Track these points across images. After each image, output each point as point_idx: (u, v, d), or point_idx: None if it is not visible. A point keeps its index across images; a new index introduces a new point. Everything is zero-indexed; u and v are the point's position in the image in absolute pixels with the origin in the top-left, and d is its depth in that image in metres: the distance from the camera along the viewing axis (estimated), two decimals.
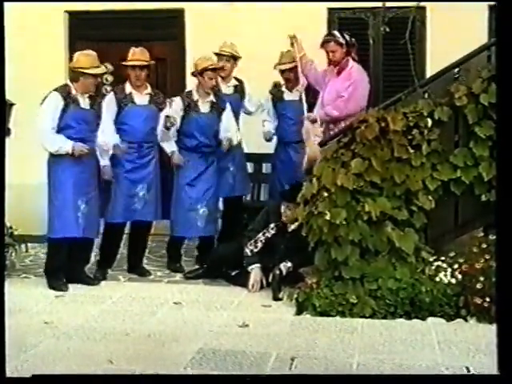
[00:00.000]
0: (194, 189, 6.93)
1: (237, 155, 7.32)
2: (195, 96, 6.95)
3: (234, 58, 7.27)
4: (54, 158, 6.19)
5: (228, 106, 7.05)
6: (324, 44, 6.67)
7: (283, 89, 7.40)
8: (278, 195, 7.07)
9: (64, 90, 6.18)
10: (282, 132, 7.43)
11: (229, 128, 7.01)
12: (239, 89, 7.40)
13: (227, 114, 7.03)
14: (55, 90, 6.20)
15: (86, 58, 6.19)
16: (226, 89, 7.32)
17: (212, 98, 6.98)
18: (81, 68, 6.13)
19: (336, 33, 6.79)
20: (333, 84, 6.66)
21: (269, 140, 7.49)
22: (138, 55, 6.68)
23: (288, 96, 7.37)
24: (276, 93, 7.44)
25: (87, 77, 6.15)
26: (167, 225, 7.22)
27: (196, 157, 6.95)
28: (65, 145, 6.11)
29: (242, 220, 7.66)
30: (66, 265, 6.36)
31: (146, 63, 6.67)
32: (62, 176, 6.19)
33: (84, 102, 6.27)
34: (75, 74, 6.18)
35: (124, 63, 6.70)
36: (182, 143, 6.97)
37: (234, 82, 7.38)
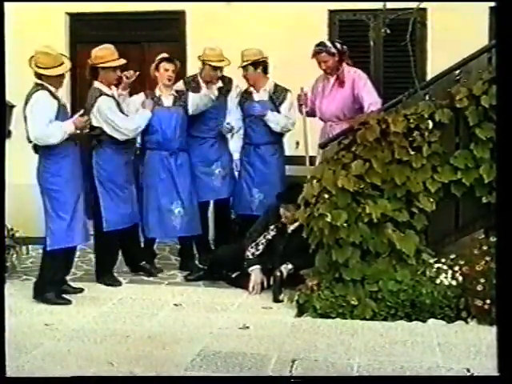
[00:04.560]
0: (167, 189, 6.90)
1: (223, 157, 7.26)
2: (157, 92, 6.98)
3: (253, 64, 7.06)
4: (47, 162, 5.92)
5: (190, 95, 7.01)
6: (315, 55, 6.64)
7: (251, 89, 7.24)
8: (250, 209, 7.16)
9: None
10: (251, 134, 7.24)
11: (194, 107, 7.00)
12: (223, 90, 7.25)
13: (192, 102, 6.98)
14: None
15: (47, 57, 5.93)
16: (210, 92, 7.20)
17: (173, 92, 6.99)
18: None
19: (327, 42, 6.75)
20: (339, 94, 6.64)
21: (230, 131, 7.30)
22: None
23: (257, 96, 7.21)
24: (244, 94, 7.29)
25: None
26: None
27: (165, 154, 6.91)
28: (64, 126, 5.92)
29: (230, 222, 7.64)
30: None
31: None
32: (64, 181, 5.94)
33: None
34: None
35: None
36: (149, 142, 6.94)
37: (218, 84, 7.23)
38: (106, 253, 6.65)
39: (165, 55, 6.93)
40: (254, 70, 7.08)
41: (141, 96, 6.96)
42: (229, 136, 7.30)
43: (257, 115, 7.12)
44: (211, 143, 7.18)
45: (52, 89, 5.89)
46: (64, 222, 5.91)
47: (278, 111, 7.12)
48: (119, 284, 6.53)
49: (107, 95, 6.40)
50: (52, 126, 5.81)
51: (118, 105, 6.48)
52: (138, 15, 8.59)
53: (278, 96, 7.15)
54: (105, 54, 6.40)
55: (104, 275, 6.58)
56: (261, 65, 7.11)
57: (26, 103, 5.86)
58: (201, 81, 7.20)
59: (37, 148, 5.92)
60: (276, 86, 7.18)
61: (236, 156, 7.37)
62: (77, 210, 5.97)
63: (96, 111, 6.35)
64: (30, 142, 5.90)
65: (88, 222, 6.26)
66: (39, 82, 5.88)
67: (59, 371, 4.40)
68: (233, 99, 7.28)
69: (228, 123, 7.15)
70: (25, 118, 5.87)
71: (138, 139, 7.05)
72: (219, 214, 7.58)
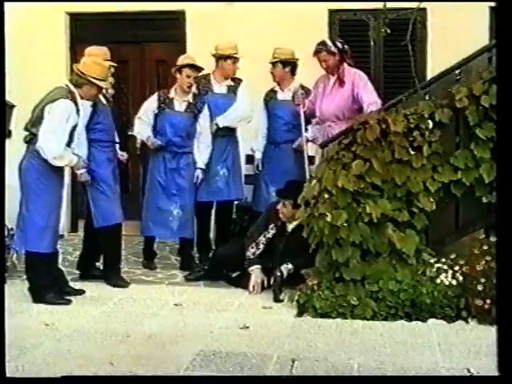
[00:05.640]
0: (167, 189, 6.93)
1: (229, 158, 7.27)
2: (172, 94, 6.99)
3: (283, 63, 7.15)
4: (37, 161, 5.76)
5: (205, 108, 7.01)
6: (316, 54, 6.65)
7: (276, 88, 7.32)
8: (265, 195, 7.19)
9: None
10: (272, 132, 7.33)
11: (202, 131, 7.00)
12: (233, 89, 7.27)
13: (203, 117, 7.00)
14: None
15: (100, 68, 5.94)
16: (219, 88, 7.25)
17: (190, 98, 6.99)
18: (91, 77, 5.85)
19: (327, 41, 6.74)
20: (339, 94, 6.63)
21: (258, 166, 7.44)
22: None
23: (281, 95, 7.29)
24: (269, 93, 7.37)
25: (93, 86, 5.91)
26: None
27: (168, 156, 6.94)
28: (73, 160, 5.90)
29: (231, 223, 7.68)
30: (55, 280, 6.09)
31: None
32: (51, 183, 5.85)
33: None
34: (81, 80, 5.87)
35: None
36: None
37: (228, 82, 7.26)
38: (110, 251, 6.60)
39: (191, 61, 6.89)
40: (282, 68, 7.16)
41: (154, 98, 7.01)
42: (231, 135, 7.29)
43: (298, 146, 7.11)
44: (218, 143, 7.17)
45: (79, 101, 5.83)
46: (37, 226, 5.81)
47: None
48: (127, 285, 6.47)
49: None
50: (66, 153, 5.74)
51: (95, 105, 6.33)
52: (138, 15, 8.59)
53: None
54: (100, 53, 6.38)
55: (112, 276, 6.53)
56: (290, 65, 7.17)
57: (50, 102, 5.72)
58: (213, 80, 7.22)
59: (29, 141, 5.82)
60: (301, 87, 7.15)
61: (258, 155, 7.41)
62: (53, 217, 5.88)
63: None
64: (27, 129, 5.82)
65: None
66: (72, 88, 5.82)
67: (59, 371, 4.39)
68: (243, 94, 7.26)
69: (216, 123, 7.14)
70: (41, 112, 5.72)
71: (138, 140, 7.07)
72: (221, 215, 7.59)
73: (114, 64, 6.56)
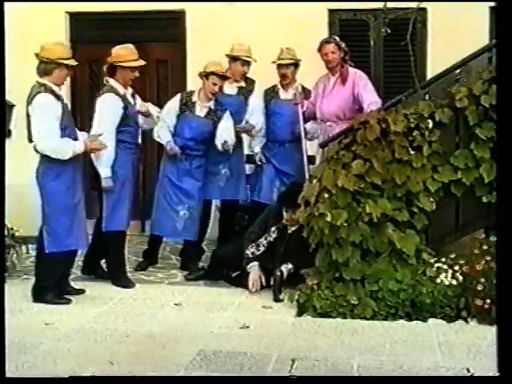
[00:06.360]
0: (176, 189, 6.93)
1: (232, 158, 7.23)
2: (195, 97, 6.96)
3: (295, 65, 7.17)
4: (50, 164, 5.76)
5: (226, 115, 6.96)
6: (324, 45, 6.65)
7: (278, 87, 7.31)
8: (270, 199, 7.13)
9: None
10: (274, 131, 7.31)
11: (223, 134, 6.94)
12: (244, 91, 7.26)
13: (224, 122, 6.94)
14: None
15: (62, 47, 5.93)
16: (229, 89, 7.22)
17: (211, 104, 6.95)
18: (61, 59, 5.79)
19: (335, 37, 6.85)
20: (340, 93, 6.64)
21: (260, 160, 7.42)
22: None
23: (283, 95, 7.28)
24: (270, 92, 7.34)
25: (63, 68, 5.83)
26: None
27: (181, 157, 6.92)
28: (76, 146, 5.83)
29: (234, 224, 7.66)
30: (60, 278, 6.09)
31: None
32: (69, 182, 5.85)
33: None
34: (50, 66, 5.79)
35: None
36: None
37: (240, 84, 7.24)
38: (116, 254, 6.57)
39: (219, 70, 6.80)
40: (294, 69, 7.17)
41: (177, 98, 6.99)
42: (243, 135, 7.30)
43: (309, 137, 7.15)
44: None
45: (55, 88, 5.79)
46: (63, 226, 5.82)
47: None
48: (133, 285, 6.47)
49: (118, 95, 6.33)
50: (64, 142, 5.73)
51: (126, 107, 6.36)
52: (138, 15, 8.59)
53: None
54: (125, 53, 6.41)
55: (120, 277, 6.51)
56: (298, 65, 7.19)
57: (29, 103, 5.72)
58: None
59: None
60: (303, 88, 7.17)
61: (257, 149, 7.39)
62: (76, 215, 5.89)
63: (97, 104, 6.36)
64: (31, 141, 5.84)
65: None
66: (41, 81, 5.76)
67: (59, 371, 4.39)
68: (255, 100, 7.26)
69: (246, 121, 7.14)
70: (27, 117, 5.74)
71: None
72: (225, 215, 7.60)
73: (144, 62, 6.56)
